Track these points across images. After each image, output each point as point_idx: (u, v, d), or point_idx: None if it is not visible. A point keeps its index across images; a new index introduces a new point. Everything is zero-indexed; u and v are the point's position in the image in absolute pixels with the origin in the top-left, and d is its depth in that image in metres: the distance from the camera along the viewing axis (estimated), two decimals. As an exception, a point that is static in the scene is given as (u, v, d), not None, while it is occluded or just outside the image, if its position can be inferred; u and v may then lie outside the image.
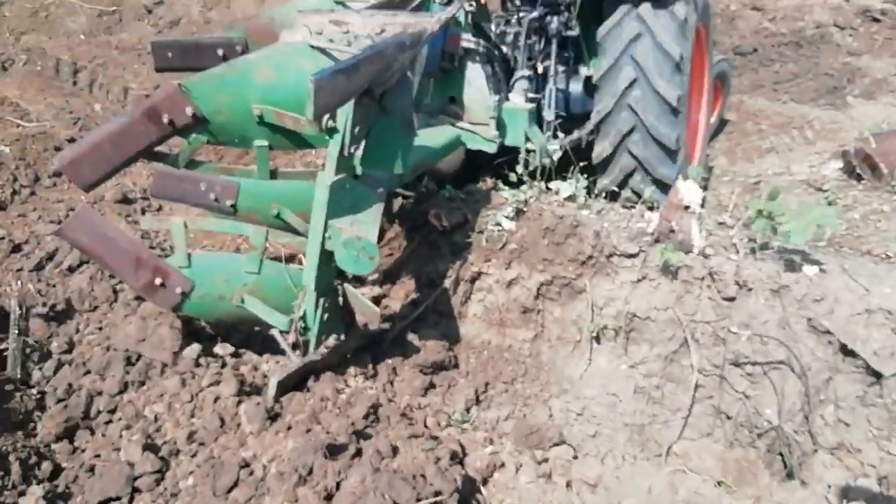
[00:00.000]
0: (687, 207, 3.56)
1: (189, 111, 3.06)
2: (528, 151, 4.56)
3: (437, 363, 3.74)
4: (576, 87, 5.21)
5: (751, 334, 3.59)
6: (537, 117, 4.78)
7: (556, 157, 4.61)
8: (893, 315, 3.67)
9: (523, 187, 4.14)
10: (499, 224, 3.98)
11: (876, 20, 10.16)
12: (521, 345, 3.89)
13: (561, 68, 5.09)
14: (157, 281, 3.11)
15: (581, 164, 4.38)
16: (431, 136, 4.22)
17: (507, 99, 4.70)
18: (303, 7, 3.58)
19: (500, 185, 4.34)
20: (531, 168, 4.46)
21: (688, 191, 3.56)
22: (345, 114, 3.03)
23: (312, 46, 3.35)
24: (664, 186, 4.61)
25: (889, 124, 6.83)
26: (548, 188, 4.20)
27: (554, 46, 5.02)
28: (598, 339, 3.79)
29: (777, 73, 9.04)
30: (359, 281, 4.02)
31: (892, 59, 9.27)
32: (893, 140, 5.35)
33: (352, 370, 3.60)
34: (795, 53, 9.46)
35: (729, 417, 3.64)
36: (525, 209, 4.02)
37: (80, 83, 7.57)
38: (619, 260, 3.73)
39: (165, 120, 3.03)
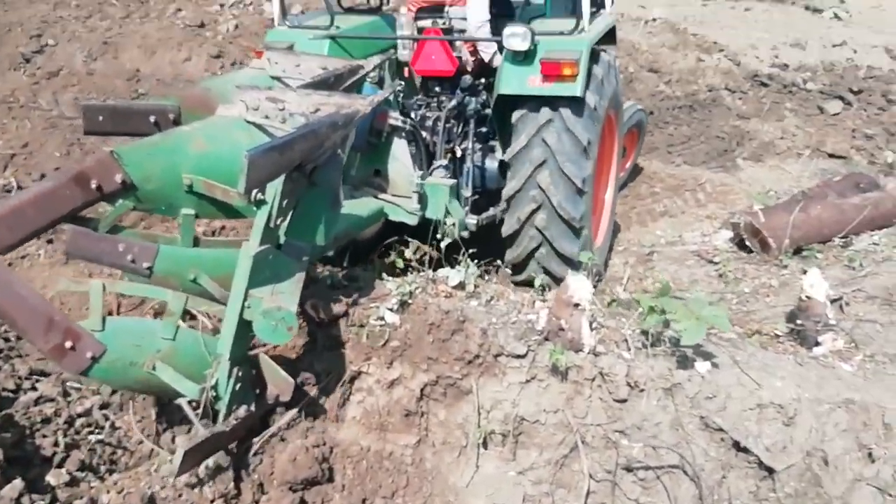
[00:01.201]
0: (577, 305, 3.38)
1: (119, 178, 3.07)
2: (448, 225, 4.56)
3: (309, 479, 3.39)
4: (491, 166, 5.37)
5: (644, 437, 3.42)
6: (458, 196, 4.97)
7: (471, 230, 4.91)
8: (784, 409, 3.60)
9: (409, 277, 3.88)
10: (381, 318, 3.70)
11: (764, 84, 10.60)
12: (403, 451, 3.59)
13: (478, 147, 5.32)
14: (68, 344, 2.91)
15: (471, 250, 4.17)
16: (355, 207, 4.28)
17: (430, 175, 4.90)
18: (240, 82, 3.73)
19: (385, 274, 4.06)
20: (450, 240, 4.44)
21: (578, 287, 3.38)
22: (274, 188, 3.06)
23: (248, 121, 3.41)
24: (567, 261, 4.90)
25: (776, 192, 7.00)
26: (433, 280, 3.96)
27: (471, 128, 5.28)
28: (485, 443, 3.54)
29: (671, 136, 9.24)
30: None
31: (778, 123, 9.65)
32: (781, 215, 5.41)
33: (208, 492, 3.21)
34: (689, 116, 9.72)
35: (623, 526, 3.44)
36: (410, 301, 3.75)
37: (-60, 142, 6.92)
38: (506, 360, 3.51)
39: (94, 185, 3.02)
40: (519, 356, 3.47)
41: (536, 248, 4.98)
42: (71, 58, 8.77)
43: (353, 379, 3.69)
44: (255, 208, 3.10)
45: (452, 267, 4.13)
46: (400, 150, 4.68)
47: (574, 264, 4.90)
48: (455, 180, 4.94)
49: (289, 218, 3.29)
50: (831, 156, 8.84)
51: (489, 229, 5.18)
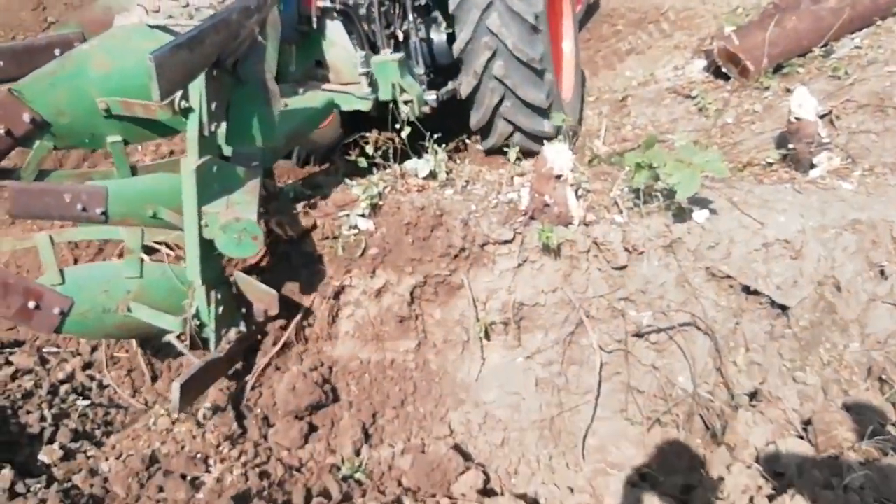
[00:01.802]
0: (559, 176, 3.11)
1: (27, 117, 2.89)
2: (404, 103, 4.30)
3: (313, 404, 3.24)
4: (439, 39, 4.95)
5: (650, 300, 3.25)
6: (410, 70, 4.57)
7: (433, 105, 4.55)
8: (790, 243, 3.44)
9: (374, 177, 3.57)
10: (354, 226, 3.43)
11: None
12: (405, 357, 3.43)
13: (420, 23, 4.87)
14: (31, 304, 2.81)
15: (435, 135, 3.84)
16: (302, 104, 3.97)
17: (375, 49, 4.49)
18: None
19: (349, 179, 3.74)
20: (411, 119, 4.14)
21: (557, 157, 3.10)
22: (198, 91, 2.83)
23: (150, 26, 3.08)
24: (536, 110, 4.62)
25: (744, 9, 6.57)
26: (402, 175, 3.65)
27: (409, 4, 4.78)
28: (487, 335, 3.37)
29: (625, -33, 8.63)
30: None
31: (736, -66, 9.01)
32: (755, 34, 5.05)
33: (211, 437, 3.07)
34: (639, -59, 9.05)
35: (641, 392, 3.34)
36: (381, 203, 3.47)
37: None
38: (494, 248, 3.27)
39: (2, 131, 2.87)
40: (506, 241, 3.24)
41: (500, 102, 4.65)
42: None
43: (338, 294, 3.47)
44: (183, 119, 2.89)
45: (420, 157, 3.83)
46: (336, 34, 4.28)
47: (543, 112, 4.66)
48: (402, 54, 4.50)
49: (226, 124, 3.07)
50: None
51: (449, 107, 4.82)
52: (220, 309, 3.11)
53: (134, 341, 3.83)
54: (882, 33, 5.10)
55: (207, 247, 2.93)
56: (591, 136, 5.44)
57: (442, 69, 4.99)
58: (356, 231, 3.44)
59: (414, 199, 3.44)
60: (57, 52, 3.20)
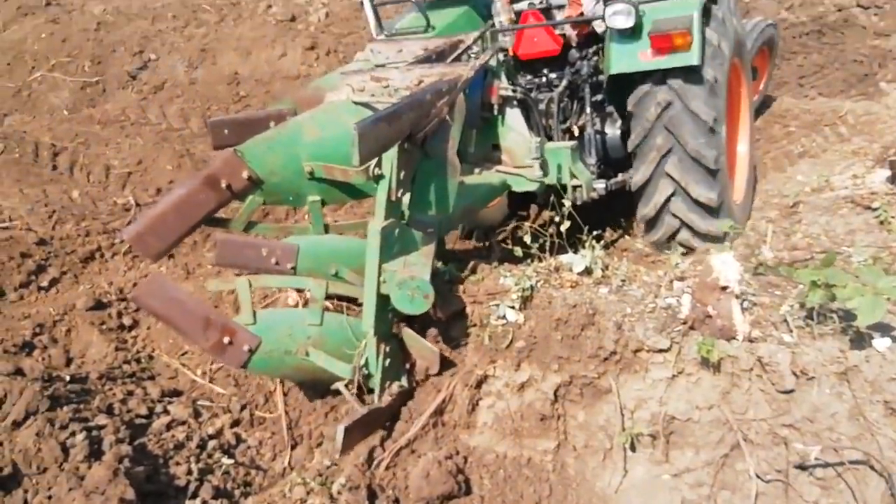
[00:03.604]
0: (725, 288, 2.95)
1: (245, 175, 3.26)
2: (573, 188, 4.59)
3: (445, 495, 3.17)
4: (613, 133, 5.14)
5: (818, 430, 2.97)
6: (580, 156, 4.80)
7: (601, 193, 4.80)
8: None
9: (529, 269, 3.55)
10: (503, 317, 3.41)
11: (901, -6, 9.41)
12: (543, 457, 3.30)
13: (596, 118, 5.09)
14: (226, 340, 3.12)
15: (594, 232, 3.79)
16: (477, 181, 4.37)
17: (550, 139, 4.80)
18: (345, 71, 3.93)
19: (503, 267, 3.75)
20: (579, 203, 4.54)
21: (724, 267, 2.96)
22: (390, 160, 3.17)
23: (355, 102, 3.49)
24: (706, 209, 4.66)
25: (936, 118, 6.13)
26: (556, 269, 3.61)
27: (587, 101, 5.01)
28: (632, 446, 3.19)
29: (801, 67, 8.40)
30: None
31: (925, 36, 8.54)
32: (950, 146, 4.67)
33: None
34: (818, 42, 8.79)
35: (801, 531, 3.02)
36: (532, 295, 3.43)
37: (60, 166, 7.16)
38: (648, 355, 3.13)
39: (224, 185, 3.22)
40: (662, 350, 3.09)
41: (670, 197, 4.68)
42: (172, 69, 8.91)
43: (480, 383, 3.43)
44: (374, 184, 3.23)
45: (576, 251, 3.78)
46: (514, 121, 4.58)
47: (712, 211, 4.64)
48: (576, 142, 4.78)
49: (410, 193, 3.38)
50: None
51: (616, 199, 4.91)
52: (388, 361, 3.32)
53: (280, 405, 3.96)
54: None
55: (382, 301, 3.19)
56: (758, 241, 5.16)
57: (613, 162, 5.13)
58: (504, 322, 3.41)
59: (566, 294, 3.38)
60: (272, 124, 3.69)
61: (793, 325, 3.08)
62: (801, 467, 2.98)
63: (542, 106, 4.97)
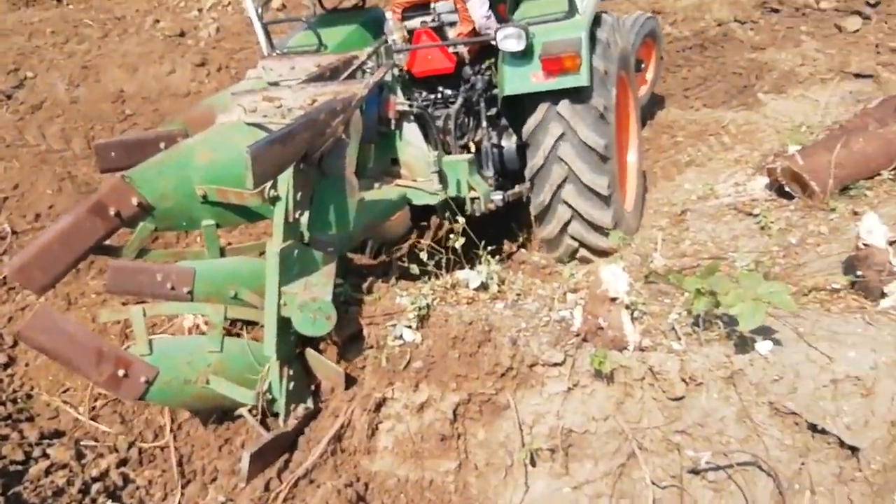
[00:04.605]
0: (614, 299, 3.00)
1: (135, 201, 3.16)
2: (472, 200, 4.68)
3: (345, 524, 3.08)
4: (509, 146, 5.23)
5: (708, 435, 3.05)
6: (477, 169, 4.90)
7: (498, 204, 4.91)
8: (861, 380, 3.21)
9: (425, 287, 3.51)
10: (400, 337, 3.35)
11: (775, 10, 9.98)
12: (444, 478, 3.26)
13: (493, 132, 5.18)
14: (120, 372, 2.99)
15: (491, 246, 3.80)
16: (377, 197, 4.36)
17: (448, 154, 4.86)
18: (236, 90, 3.84)
19: (400, 286, 3.69)
20: (478, 214, 4.69)
21: (613, 279, 3.00)
22: (285, 181, 3.13)
23: (248, 123, 3.43)
24: (602, 231, 4.84)
25: (808, 127, 6.49)
26: (452, 286, 3.59)
27: (482, 115, 5.10)
28: (532, 461, 3.19)
29: (685, 79, 8.73)
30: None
31: (797, 49, 9.05)
32: (821, 154, 4.94)
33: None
34: (701, 56, 9.18)
35: (696, 534, 3.09)
36: (429, 314, 3.39)
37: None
38: (543, 369, 3.14)
39: (112, 212, 3.12)
40: (556, 364, 3.10)
41: (568, 222, 4.86)
42: (52, 88, 8.41)
43: (379, 406, 3.36)
44: (271, 206, 3.18)
45: (472, 267, 3.77)
46: (412, 135, 4.64)
47: (606, 233, 4.84)
48: (473, 155, 4.89)
49: (309, 213, 3.34)
50: (857, 76, 8.26)
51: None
52: (292, 384, 3.28)
53: (171, 440, 3.77)
54: (956, 159, 4.92)
55: (284, 324, 3.14)
56: (650, 249, 5.32)
57: (510, 174, 5.25)
58: (402, 342, 3.36)
59: (462, 312, 3.37)
60: (162, 145, 3.59)
61: (681, 332, 3.16)
62: (694, 472, 3.05)
63: (439, 122, 5.03)
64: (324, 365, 3.43)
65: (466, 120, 5.26)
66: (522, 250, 5.65)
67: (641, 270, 4.55)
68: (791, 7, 9.99)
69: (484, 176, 5.03)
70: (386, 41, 5.16)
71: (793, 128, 6.59)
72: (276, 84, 4.18)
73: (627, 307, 3.06)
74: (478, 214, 4.67)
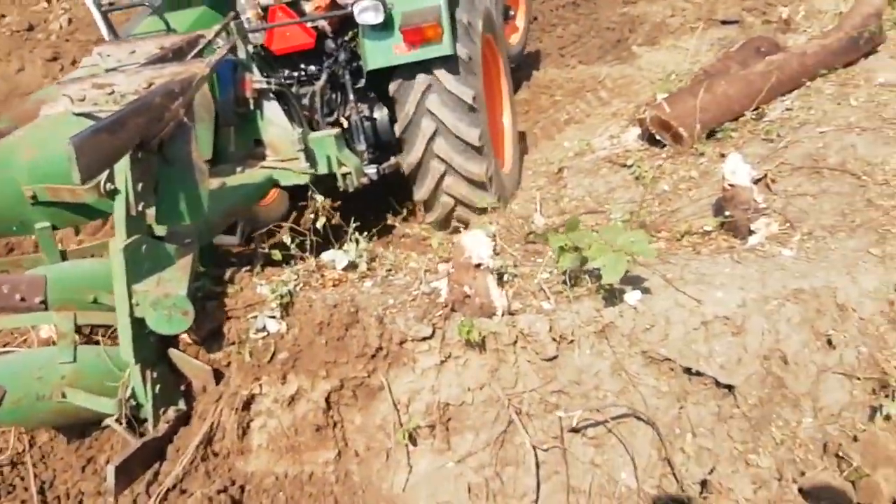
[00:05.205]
0: (478, 265, 2.89)
1: None
2: (344, 176, 4.51)
3: (220, 533, 2.90)
4: (381, 117, 5.05)
5: (585, 391, 3.01)
6: (347, 144, 4.72)
7: (372, 178, 4.82)
8: (731, 319, 3.24)
9: (285, 275, 3.32)
10: (263, 328, 3.16)
11: (645, -36, 10.07)
12: (324, 469, 3.11)
13: (363, 105, 5.03)
14: None
15: (356, 223, 3.64)
16: (239, 181, 4.11)
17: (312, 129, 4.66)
18: (63, 80, 3.48)
19: (260, 275, 3.48)
20: (351, 189, 4.53)
21: (475, 245, 2.89)
22: (123, 173, 2.89)
23: (76, 114, 3.10)
24: (477, 184, 4.75)
25: (677, 75, 6.57)
26: (317, 269, 3.41)
27: (350, 88, 4.96)
28: (413, 440, 3.07)
29: (560, 38, 8.73)
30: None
31: (666, 1, 9.19)
32: (686, 100, 4.99)
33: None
34: (574, 13, 9.21)
35: (583, 492, 3.05)
36: (293, 301, 3.21)
37: None
38: (413, 345, 3.02)
39: None
40: (426, 338, 2.99)
41: (442, 177, 4.75)
42: None
43: (248, 404, 3.17)
44: (110, 200, 2.94)
45: (342, 246, 3.60)
46: (274, 114, 4.39)
47: (484, 186, 4.77)
48: (339, 129, 4.67)
49: (155, 205, 3.09)
50: (724, 22, 8.45)
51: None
52: (158, 388, 3.07)
53: (29, 468, 3.48)
54: (812, 94, 5.07)
55: (140, 326, 2.95)
56: (530, 210, 5.28)
57: (384, 146, 5.08)
58: (265, 334, 3.17)
59: (327, 295, 3.19)
60: None
61: (550, 292, 3.09)
62: (574, 430, 3.01)
63: (305, 100, 4.83)
64: (189, 364, 3.23)
65: (334, 95, 5.07)
66: (407, 221, 5.53)
67: (524, 230, 4.51)
68: (658, -41, 10.14)
69: (356, 150, 4.89)
70: (237, 17, 4.89)
71: (663, 77, 6.67)
72: (115, 70, 3.88)
73: (493, 272, 2.96)
74: (351, 190, 4.51)
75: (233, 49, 4.23)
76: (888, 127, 4.35)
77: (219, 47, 4.13)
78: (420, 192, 4.87)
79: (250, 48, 4.51)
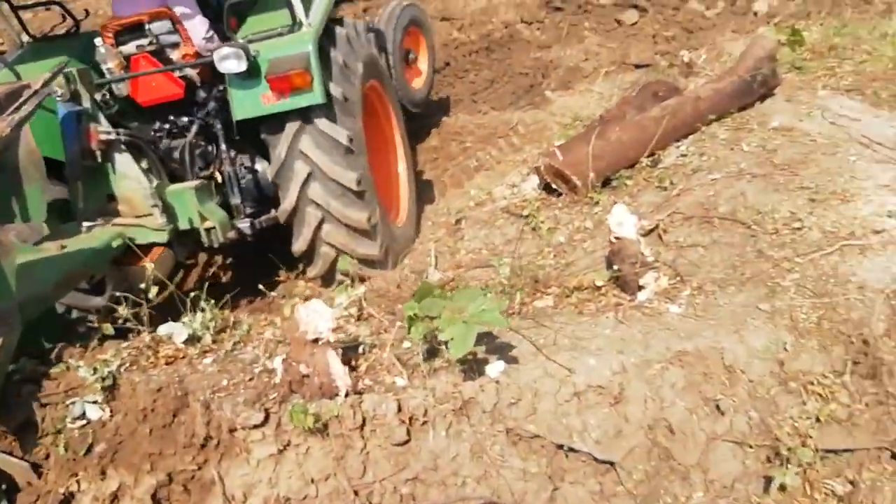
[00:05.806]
0: (316, 340, 2.57)
1: None
2: (207, 231, 4.28)
3: None
4: (262, 169, 4.69)
5: (442, 478, 2.69)
6: (213, 196, 4.49)
7: (246, 233, 4.50)
8: (606, 388, 2.98)
9: (109, 353, 2.95)
10: (83, 416, 2.78)
11: (559, 9, 10.10)
12: (151, 578, 2.71)
13: (240, 157, 4.71)
14: None
15: (207, 286, 3.31)
16: (81, 244, 3.79)
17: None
18: None
19: (79, 363, 3.08)
20: (216, 245, 4.31)
21: (313, 317, 2.57)
22: None
23: None
24: (360, 232, 4.48)
25: (581, 120, 6.45)
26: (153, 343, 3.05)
27: (223, 139, 4.63)
28: (252, 540, 2.71)
29: (473, 83, 8.59)
30: None
31: (580, 45, 9.17)
32: (579, 147, 4.80)
33: None
34: (488, 59, 9.08)
35: (446, 590, 2.72)
36: (116, 384, 2.84)
37: None
38: (245, 433, 2.67)
39: None
40: (257, 425, 2.64)
41: (320, 225, 4.43)
42: None
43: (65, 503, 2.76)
44: None
45: (195, 314, 3.25)
46: (125, 166, 4.15)
47: (368, 234, 4.50)
48: (202, 182, 4.45)
49: None
50: (637, 66, 8.45)
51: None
52: None
53: None
54: (706, 140, 4.94)
55: None
56: (424, 264, 5.00)
57: (266, 199, 4.74)
58: (84, 422, 2.78)
59: (153, 376, 2.83)
60: None
61: (406, 365, 2.79)
62: (433, 523, 2.68)
63: (176, 154, 4.53)
64: (5, 462, 2.83)
65: (209, 147, 4.74)
66: (299, 279, 5.19)
67: (414, 288, 4.22)
68: (574, 5, 10.16)
69: (231, 204, 4.56)
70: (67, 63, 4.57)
71: (568, 123, 6.55)
72: None
73: (335, 347, 2.64)
74: (216, 246, 4.25)
75: (76, 98, 3.91)
76: (778, 173, 4.23)
77: (59, 97, 3.81)
78: (298, 243, 4.52)
79: (98, 97, 4.20)
